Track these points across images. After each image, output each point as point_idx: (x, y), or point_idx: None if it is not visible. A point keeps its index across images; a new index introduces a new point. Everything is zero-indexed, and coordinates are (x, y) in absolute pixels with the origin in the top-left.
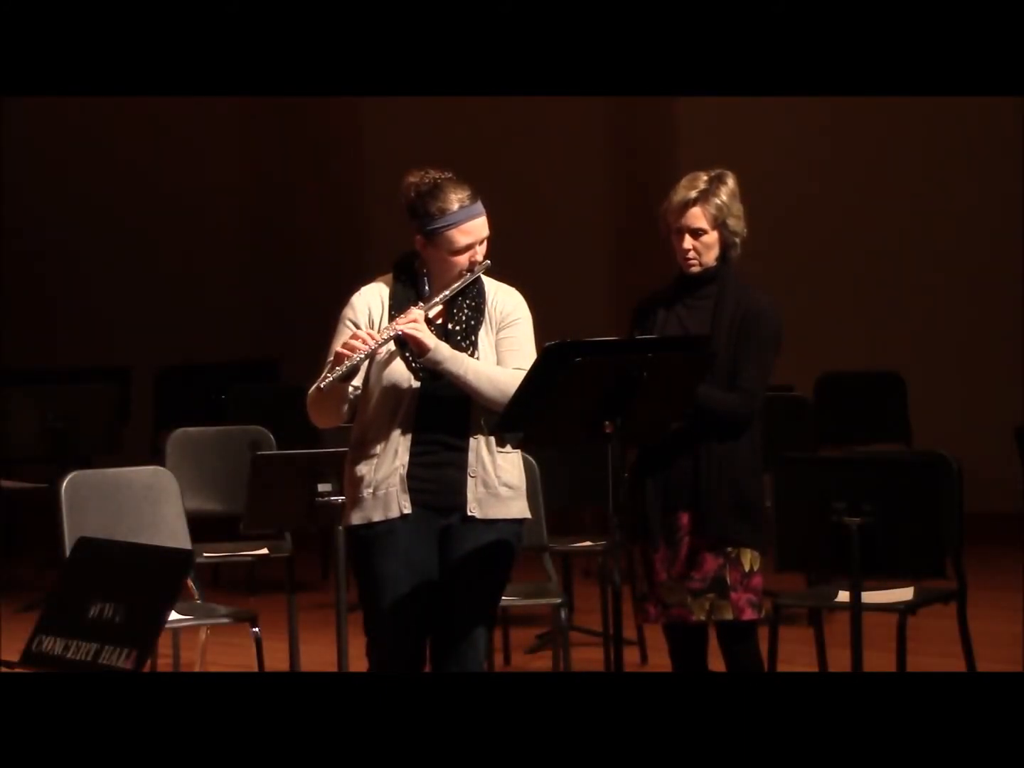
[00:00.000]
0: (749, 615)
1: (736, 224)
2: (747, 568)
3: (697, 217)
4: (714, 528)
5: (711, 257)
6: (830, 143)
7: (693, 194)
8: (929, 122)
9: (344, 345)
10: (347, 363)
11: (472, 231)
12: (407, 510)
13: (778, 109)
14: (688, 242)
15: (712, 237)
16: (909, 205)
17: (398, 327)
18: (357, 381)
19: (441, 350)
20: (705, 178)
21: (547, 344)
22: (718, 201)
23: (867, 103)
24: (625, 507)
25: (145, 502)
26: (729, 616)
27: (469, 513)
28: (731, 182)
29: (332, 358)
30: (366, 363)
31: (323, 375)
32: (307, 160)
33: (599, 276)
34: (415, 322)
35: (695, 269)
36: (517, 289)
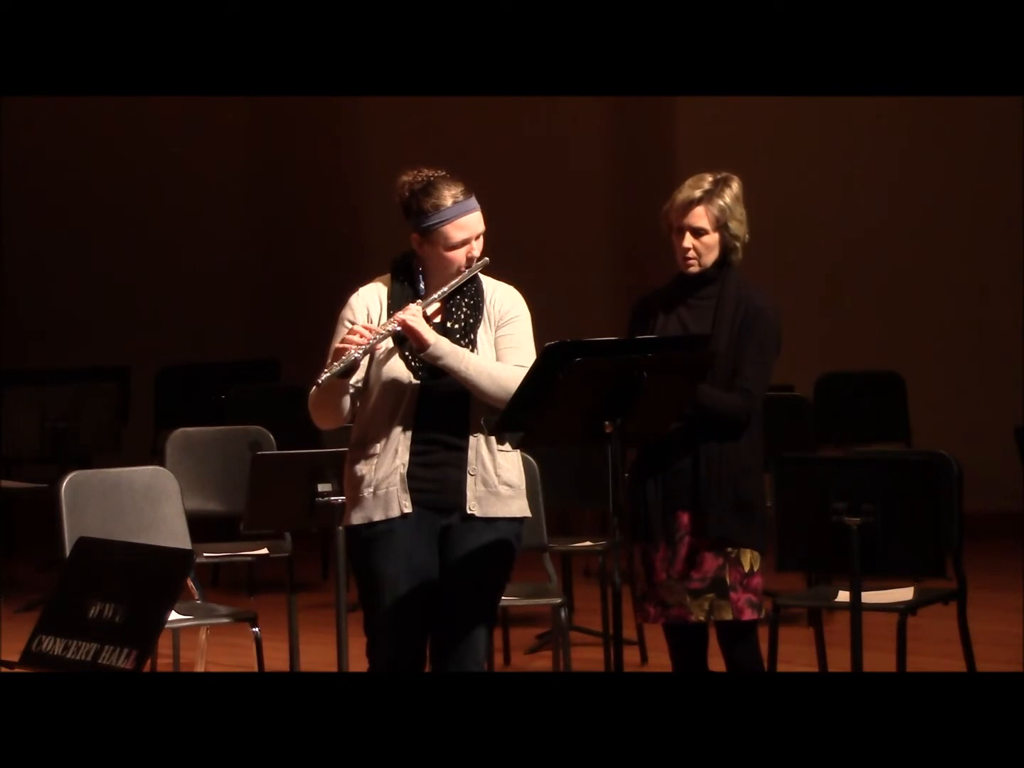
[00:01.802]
0: (749, 615)
1: (738, 228)
2: (747, 568)
3: (699, 216)
4: (714, 528)
5: (710, 259)
6: (828, 143)
7: (697, 194)
8: (929, 122)
9: (342, 340)
10: (345, 358)
11: (467, 226)
12: (407, 509)
13: (777, 109)
14: (689, 241)
15: (713, 238)
16: (908, 205)
17: (397, 320)
18: (358, 375)
19: (441, 345)
20: (710, 179)
21: (547, 344)
22: (721, 203)
23: (866, 103)
24: (625, 507)
25: (145, 502)
26: (728, 616)
27: (469, 511)
28: (736, 186)
29: (331, 355)
30: (366, 360)
31: (322, 372)
32: (307, 161)
33: (599, 276)
34: (413, 316)
35: (693, 269)
36: (517, 289)
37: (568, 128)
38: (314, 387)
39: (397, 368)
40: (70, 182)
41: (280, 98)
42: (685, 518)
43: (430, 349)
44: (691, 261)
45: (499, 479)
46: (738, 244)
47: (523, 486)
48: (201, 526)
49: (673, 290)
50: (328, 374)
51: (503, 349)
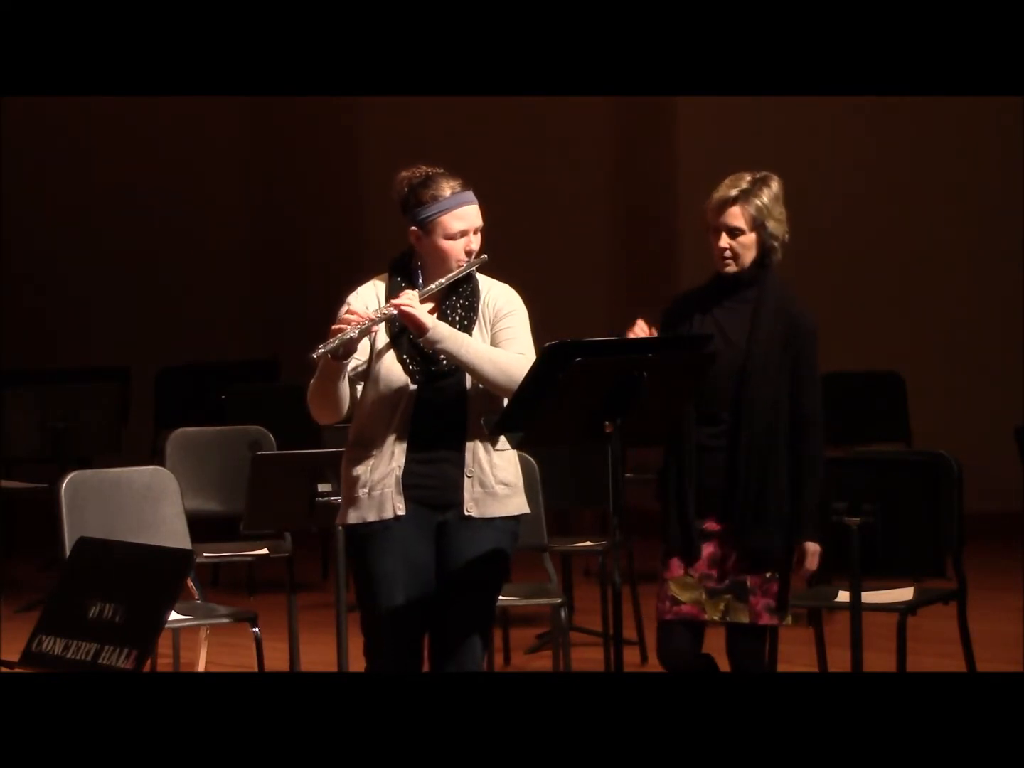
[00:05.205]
0: (766, 620)
1: (776, 228)
2: (768, 573)
3: (735, 216)
4: (742, 541)
5: (748, 258)
6: (827, 142)
7: (733, 193)
8: (926, 121)
9: (339, 320)
10: (340, 336)
11: (465, 216)
12: (400, 511)
13: (778, 108)
14: (725, 241)
15: (749, 238)
16: (908, 205)
17: (394, 305)
18: (356, 361)
19: (440, 329)
20: (748, 178)
21: (547, 344)
22: (759, 202)
23: (866, 102)
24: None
25: (145, 502)
26: (745, 619)
27: (466, 513)
28: (775, 185)
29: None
30: (365, 352)
31: (316, 348)
32: (308, 161)
33: (599, 276)
34: (409, 301)
35: (730, 269)
36: (517, 288)
37: (568, 128)
38: (312, 380)
39: (395, 371)
40: (71, 182)
41: (281, 98)
42: (714, 524)
43: (429, 333)
44: (727, 261)
45: (496, 479)
46: (776, 244)
47: (520, 483)
48: (201, 526)
49: (710, 291)
50: (322, 349)
51: (501, 341)
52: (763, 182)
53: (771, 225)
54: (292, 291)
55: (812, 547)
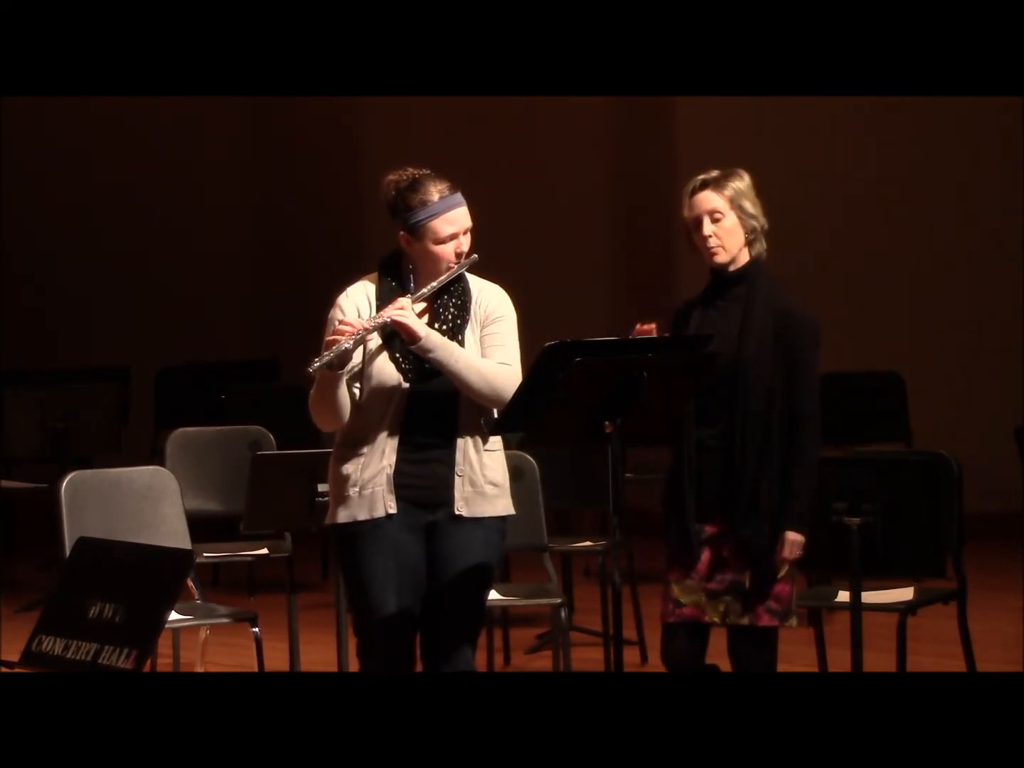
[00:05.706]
0: (766, 621)
1: (753, 209)
2: (768, 573)
3: (712, 199)
4: (740, 535)
5: (735, 244)
6: (827, 142)
7: (702, 177)
8: (926, 121)
9: (333, 332)
10: (335, 348)
11: (455, 220)
12: (392, 510)
13: (778, 108)
14: (707, 227)
15: (731, 220)
16: (908, 205)
17: (387, 316)
18: (352, 364)
19: (432, 338)
20: (718, 171)
21: (547, 344)
22: (732, 185)
23: (866, 102)
24: (665, 512)
25: (145, 502)
26: (744, 621)
27: (457, 512)
28: (747, 177)
29: (322, 349)
30: (359, 357)
31: (312, 361)
32: (308, 161)
33: (599, 275)
34: (403, 310)
35: (720, 258)
36: (518, 286)
37: (568, 128)
38: (312, 391)
39: (387, 370)
40: (71, 182)
41: (281, 98)
42: (714, 527)
43: (421, 342)
44: (715, 249)
45: (485, 479)
46: (756, 226)
47: (507, 485)
48: (201, 526)
49: (707, 291)
50: (318, 363)
51: (488, 347)
52: (732, 172)
53: (747, 205)
54: (292, 291)
55: (793, 536)
